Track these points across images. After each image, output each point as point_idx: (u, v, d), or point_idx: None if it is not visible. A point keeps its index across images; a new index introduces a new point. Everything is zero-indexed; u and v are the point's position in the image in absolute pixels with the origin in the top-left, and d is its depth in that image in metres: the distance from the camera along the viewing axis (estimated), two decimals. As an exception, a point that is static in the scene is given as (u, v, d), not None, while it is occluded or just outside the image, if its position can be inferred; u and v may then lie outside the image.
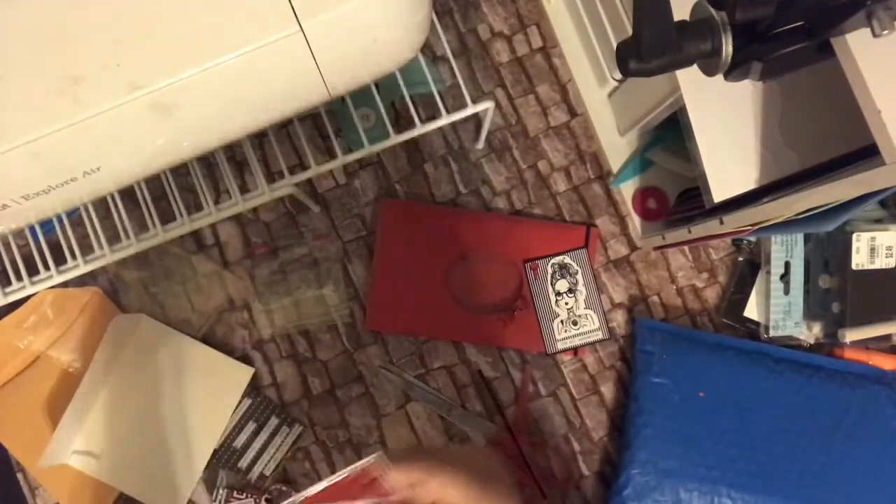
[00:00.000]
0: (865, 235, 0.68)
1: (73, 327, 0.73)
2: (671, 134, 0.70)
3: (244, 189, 0.76)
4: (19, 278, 0.65)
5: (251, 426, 0.73)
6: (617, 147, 0.76)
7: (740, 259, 0.76)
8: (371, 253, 0.76)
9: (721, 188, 0.56)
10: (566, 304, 0.75)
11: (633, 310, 0.77)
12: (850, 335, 0.69)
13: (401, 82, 0.64)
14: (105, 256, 0.64)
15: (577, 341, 0.75)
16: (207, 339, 0.75)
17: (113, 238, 0.65)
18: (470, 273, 0.76)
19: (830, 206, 0.49)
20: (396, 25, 0.52)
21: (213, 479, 0.72)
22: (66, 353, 0.73)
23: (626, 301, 0.77)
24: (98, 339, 0.72)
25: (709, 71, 0.43)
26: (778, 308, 0.73)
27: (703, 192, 0.58)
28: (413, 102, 0.66)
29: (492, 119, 0.76)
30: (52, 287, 0.65)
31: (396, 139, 0.63)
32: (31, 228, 0.64)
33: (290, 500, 0.35)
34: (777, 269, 0.72)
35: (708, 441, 0.70)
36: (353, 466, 0.37)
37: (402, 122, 0.77)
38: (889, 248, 0.69)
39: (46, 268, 0.65)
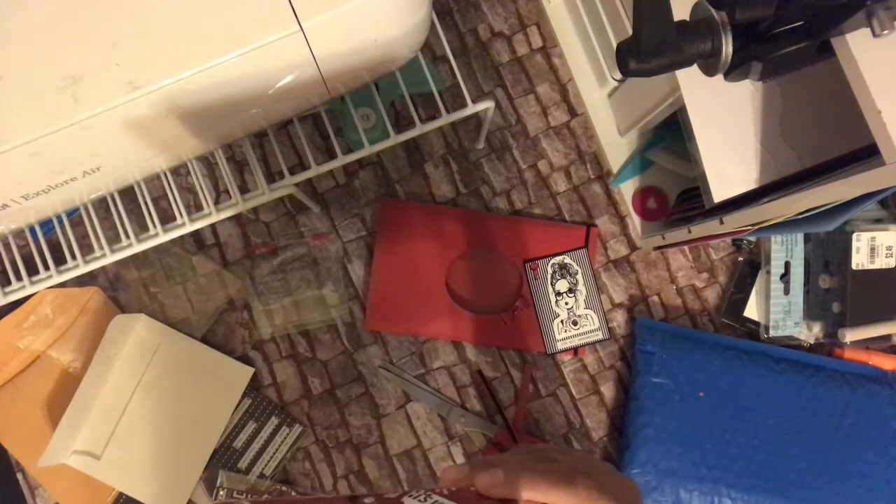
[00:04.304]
0: (865, 235, 0.68)
1: (73, 327, 0.73)
2: (671, 134, 0.70)
3: (244, 189, 0.76)
4: (19, 278, 0.65)
5: (251, 426, 0.73)
6: (617, 147, 0.76)
7: (740, 259, 0.76)
8: (371, 253, 0.76)
9: (721, 188, 0.56)
10: (566, 304, 0.75)
11: (633, 310, 0.77)
12: (850, 335, 0.69)
13: (401, 82, 0.64)
14: (105, 256, 0.64)
15: (577, 341, 0.75)
16: (207, 339, 0.75)
17: (113, 238, 0.65)
18: (470, 273, 0.76)
19: (830, 206, 0.49)
20: (396, 25, 0.52)
21: (213, 479, 0.72)
22: (66, 353, 0.73)
23: (626, 301, 0.77)
24: (98, 339, 0.72)
25: (709, 71, 0.43)
26: (778, 308, 0.73)
27: (703, 192, 0.58)
28: (413, 102, 0.66)
29: (492, 119, 0.76)
30: (51, 287, 0.65)
31: (396, 139, 0.63)
32: (31, 228, 0.64)
33: None
34: (777, 269, 0.72)
35: (708, 441, 0.70)
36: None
37: (402, 122, 0.77)
38: (889, 248, 0.69)
39: (46, 268, 0.65)
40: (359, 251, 0.76)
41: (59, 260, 0.65)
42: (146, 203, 0.64)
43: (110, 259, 0.64)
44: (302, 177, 0.65)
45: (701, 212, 0.66)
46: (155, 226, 0.64)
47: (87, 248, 0.65)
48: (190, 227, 0.64)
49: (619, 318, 0.76)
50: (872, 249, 0.69)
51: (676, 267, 0.77)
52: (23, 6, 0.48)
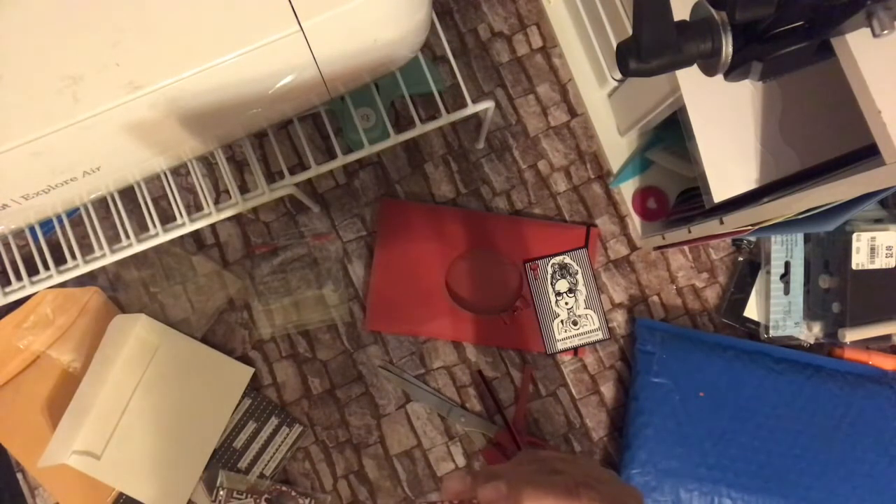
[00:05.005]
0: (865, 235, 0.68)
1: (73, 327, 0.73)
2: (671, 134, 0.70)
3: (244, 189, 0.76)
4: (19, 278, 0.65)
5: (251, 426, 0.73)
6: (617, 147, 0.76)
7: (740, 259, 0.76)
8: (371, 253, 0.76)
9: (721, 188, 0.56)
10: (566, 304, 0.75)
11: (633, 310, 0.77)
12: (850, 335, 0.69)
13: (401, 82, 0.64)
14: (105, 256, 0.64)
15: (577, 341, 0.75)
16: (207, 339, 0.75)
17: (113, 238, 0.65)
18: (470, 273, 0.76)
19: (830, 206, 0.49)
20: (396, 25, 0.52)
21: (213, 479, 0.72)
22: (66, 353, 0.73)
23: (626, 301, 0.77)
24: (98, 339, 0.72)
25: (709, 71, 0.43)
26: (778, 308, 0.73)
27: (703, 192, 0.58)
28: (413, 102, 0.66)
29: (492, 119, 0.76)
30: (51, 287, 0.65)
31: (396, 139, 0.63)
32: (31, 228, 0.64)
33: None
34: (777, 269, 0.72)
35: (708, 441, 0.70)
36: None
37: (402, 122, 0.77)
38: (889, 248, 0.69)
39: (46, 268, 0.65)
40: (359, 251, 0.76)
41: (59, 260, 0.65)
42: (146, 203, 0.64)
43: (110, 259, 0.64)
44: (302, 177, 0.65)
45: (701, 212, 0.66)
46: (155, 226, 0.64)
47: (87, 248, 0.65)
48: (190, 227, 0.64)
49: (619, 318, 0.76)
50: (872, 249, 0.69)
51: (676, 267, 0.77)
52: (22, 6, 0.48)
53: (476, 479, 0.32)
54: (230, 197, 0.65)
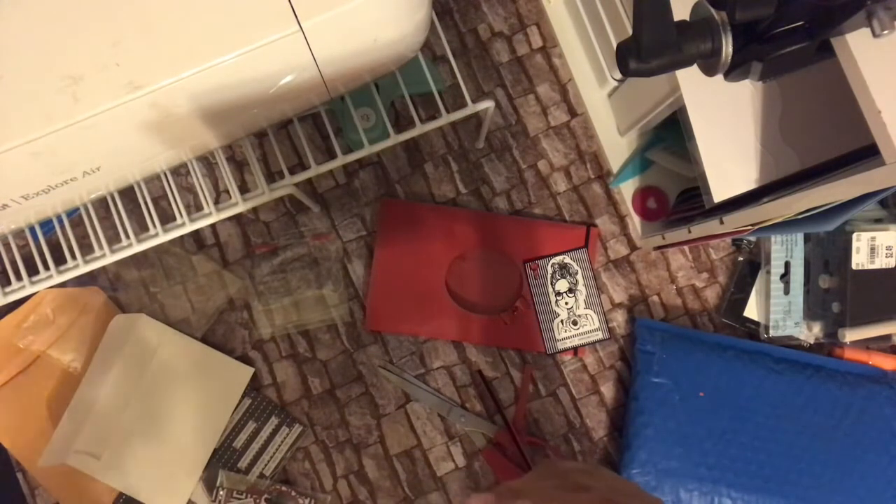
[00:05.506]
0: (865, 235, 0.68)
1: (73, 327, 0.73)
2: (671, 134, 0.70)
3: (244, 189, 0.76)
4: (19, 278, 0.65)
5: (251, 426, 0.73)
6: (617, 147, 0.76)
7: (740, 259, 0.76)
8: (371, 253, 0.76)
9: (721, 188, 0.56)
10: (566, 304, 0.75)
11: (633, 310, 0.77)
12: (850, 335, 0.69)
13: (401, 82, 0.64)
14: (105, 256, 0.64)
15: (577, 341, 0.75)
16: (207, 339, 0.75)
17: (113, 238, 0.65)
18: (470, 273, 0.76)
19: (830, 206, 0.49)
20: (396, 25, 0.52)
21: (213, 479, 0.72)
22: (66, 353, 0.73)
23: (626, 301, 0.77)
24: (98, 339, 0.72)
25: (709, 71, 0.43)
26: (778, 308, 0.73)
27: (703, 192, 0.58)
28: (413, 102, 0.66)
29: (492, 119, 0.76)
30: (51, 287, 0.65)
31: (396, 139, 0.63)
32: (31, 228, 0.64)
33: None
34: (777, 269, 0.72)
35: (708, 441, 0.70)
36: None
37: (402, 122, 0.77)
38: (889, 248, 0.69)
39: (46, 268, 0.65)
40: (359, 251, 0.76)
41: (59, 260, 0.65)
42: (146, 203, 0.64)
43: (110, 259, 0.64)
44: (302, 177, 0.65)
45: (701, 212, 0.66)
46: (155, 226, 0.64)
47: (87, 248, 0.65)
48: (190, 227, 0.64)
49: (619, 318, 0.76)
50: (872, 249, 0.69)
51: (676, 267, 0.77)
52: (23, 6, 0.48)
53: (500, 498, 0.31)
54: (230, 197, 0.65)
